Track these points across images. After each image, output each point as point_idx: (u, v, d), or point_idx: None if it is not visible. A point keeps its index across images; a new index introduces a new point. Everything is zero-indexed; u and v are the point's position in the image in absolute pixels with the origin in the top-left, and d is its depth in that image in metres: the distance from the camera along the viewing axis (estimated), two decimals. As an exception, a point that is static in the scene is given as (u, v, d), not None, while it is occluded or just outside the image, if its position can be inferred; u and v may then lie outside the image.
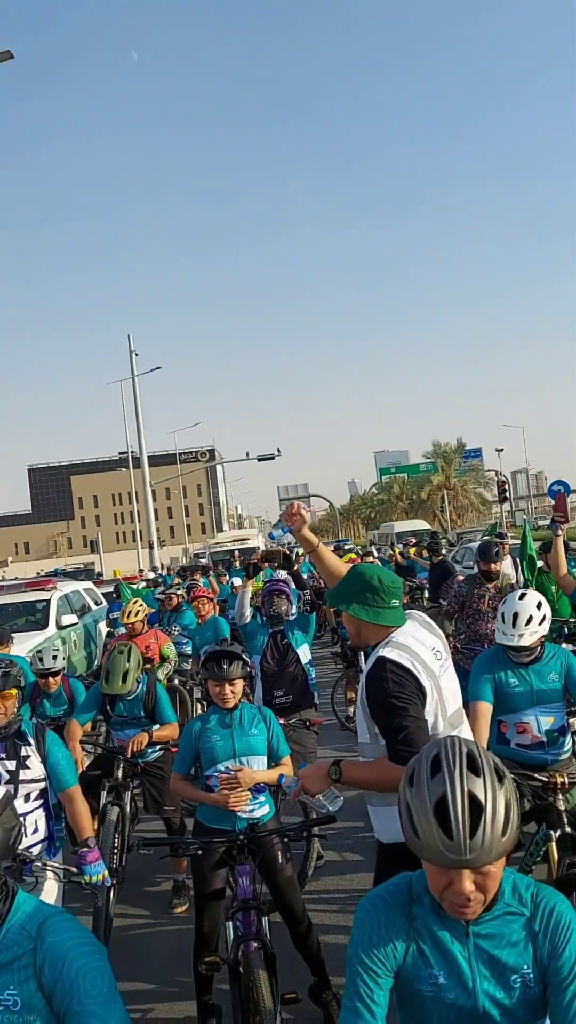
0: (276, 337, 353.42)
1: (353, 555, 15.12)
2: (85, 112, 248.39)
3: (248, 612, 5.91)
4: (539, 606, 3.89)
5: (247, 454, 39.37)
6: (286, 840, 3.56)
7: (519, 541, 8.80)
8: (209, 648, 3.88)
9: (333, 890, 5.09)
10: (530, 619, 3.84)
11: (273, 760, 3.77)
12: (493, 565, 6.79)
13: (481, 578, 6.85)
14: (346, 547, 20.12)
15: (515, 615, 3.87)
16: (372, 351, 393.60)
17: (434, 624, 3.01)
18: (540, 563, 7.94)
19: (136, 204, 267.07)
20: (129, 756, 4.99)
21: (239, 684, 3.73)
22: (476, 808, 1.43)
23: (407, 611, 2.94)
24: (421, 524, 38.38)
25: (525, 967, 1.53)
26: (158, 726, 5.10)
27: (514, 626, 3.84)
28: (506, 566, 10.11)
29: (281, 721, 5.27)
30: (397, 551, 18.54)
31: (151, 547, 32.08)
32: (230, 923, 3.32)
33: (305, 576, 6.96)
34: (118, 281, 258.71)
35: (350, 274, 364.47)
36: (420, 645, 2.79)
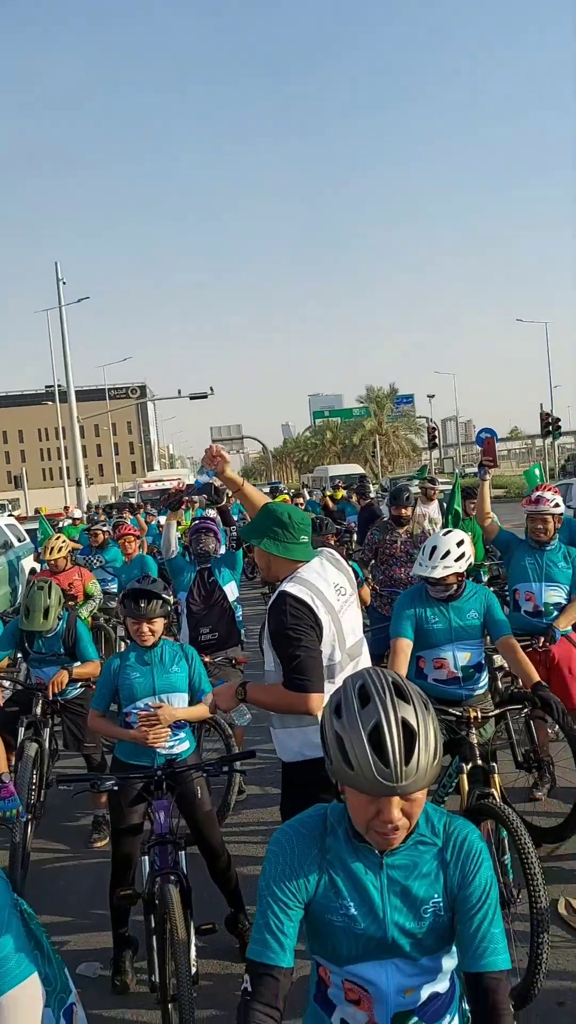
0: (211, 275, 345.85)
1: (285, 496, 15.15)
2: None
3: (175, 546, 5.85)
4: (460, 544, 3.96)
5: (179, 392, 38.49)
6: (205, 775, 3.57)
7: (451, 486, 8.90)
8: (130, 585, 3.82)
9: (254, 823, 5.17)
10: (447, 553, 3.92)
11: (195, 697, 3.76)
12: (404, 510, 6.89)
13: (392, 523, 6.92)
14: (280, 489, 20.18)
15: (434, 548, 3.95)
16: (309, 293, 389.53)
17: (343, 561, 3.15)
18: (460, 510, 8.10)
19: (66, 122, 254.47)
20: (50, 696, 4.90)
21: (158, 623, 3.69)
22: (409, 734, 1.43)
23: (320, 548, 3.10)
24: (355, 468, 38.29)
25: (436, 896, 1.55)
26: (78, 664, 5.02)
27: (430, 558, 3.92)
28: (433, 510, 10.31)
29: (207, 659, 5.28)
30: (328, 495, 18.68)
31: (78, 485, 31.48)
32: (146, 857, 3.33)
33: (236, 518, 6.93)
34: (45, 205, 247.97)
35: (288, 215, 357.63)
36: (323, 581, 2.94)
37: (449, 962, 1.59)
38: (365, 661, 3.09)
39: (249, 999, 1.51)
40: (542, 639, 4.81)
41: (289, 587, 2.86)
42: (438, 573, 3.91)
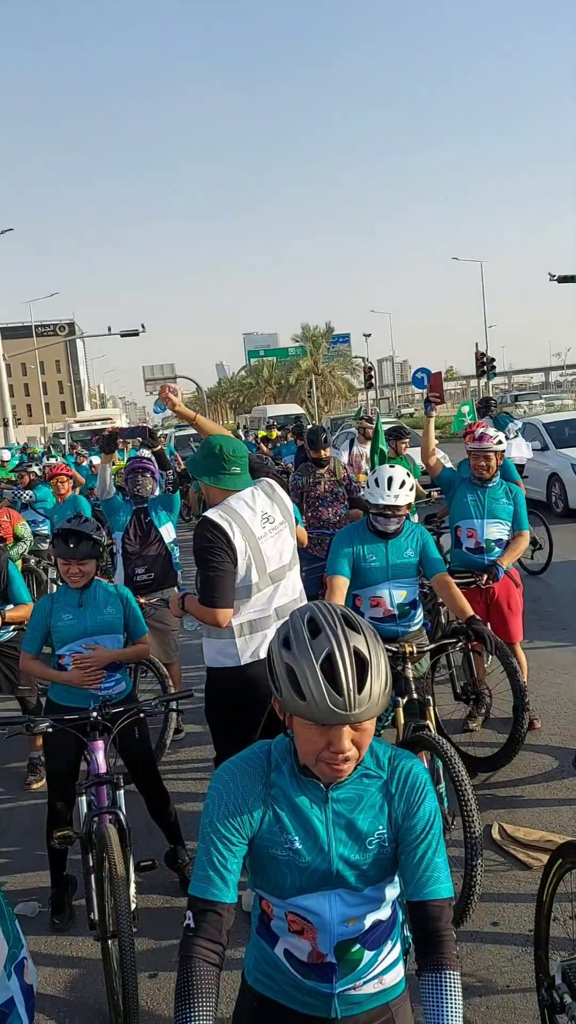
0: (142, 209, 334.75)
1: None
2: None
3: (110, 486, 5.73)
4: (407, 475, 4.00)
5: (109, 329, 37.40)
6: (142, 715, 3.52)
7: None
8: (60, 525, 3.70)
9: (192, 760, 5.19)
10: (403, 483, 3.93)
11: (130, 638, 3.69)
12: (322, 452, 6.90)
13: (313, 465, 6.93)
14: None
15: (390, 478, 3.93)
16: (244, 230, 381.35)
17: (279, 492, 3.41)
18: (387, 449, 8.15)
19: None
20: None
21: (89, 564, 3.60)
22: (361, 663, 1.42)
23: (260, 479, 3.37)
24: (295, 408, 36.91)
25: (380, 828, 1.56)
26: (11, 606, 4.88)
27: (389, 488, 3.90)
28: (369, 448, 10.30)
29: (142, 600, 5.20)
30: (261, 435, 18.56)
31: (5, 425, 30.58)
32: (83, 797, 3.29)
33: (169, 458, 6.81)
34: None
35: (223, 150, 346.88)
36: (248, 509, 3.24)
37: (391, 891, 1.61)
38: (291, 587, 3.37)
39: (192, 935, 1.51)
40: (485, 576, 4.87)
41: (211, 513, 3.20)
42: (403, 500, 3.92)
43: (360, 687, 1.40)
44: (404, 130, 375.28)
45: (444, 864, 1.55)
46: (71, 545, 3.51)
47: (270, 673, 1.50)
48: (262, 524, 3.24)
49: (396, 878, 1.60)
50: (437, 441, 6.07)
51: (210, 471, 3.22)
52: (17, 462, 12.58)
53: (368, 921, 1.57)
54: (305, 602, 3.58)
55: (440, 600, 5.24)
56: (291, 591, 3.37)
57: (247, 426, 32.81)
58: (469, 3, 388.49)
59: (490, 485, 5.05)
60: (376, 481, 3.96)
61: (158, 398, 3.90)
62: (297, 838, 1.54)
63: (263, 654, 3.20)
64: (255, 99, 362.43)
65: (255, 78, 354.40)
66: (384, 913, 1.60)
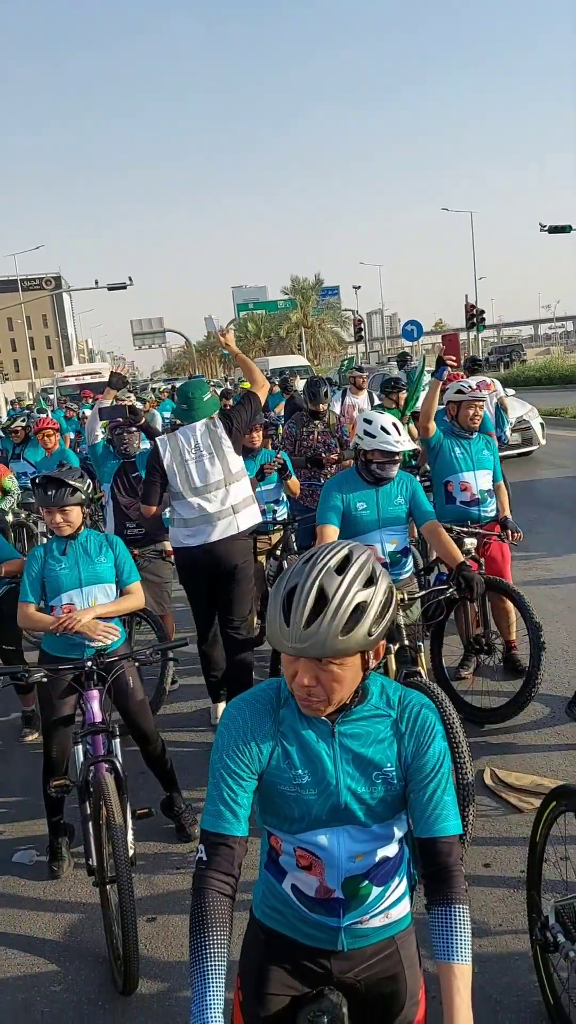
0: (128, 159, 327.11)
1: (246, 385, 14.93)
2: None
3: (99, 432, 5.68)
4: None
5: (96, 283, 36.77)
6: (137, 665, 3.52)
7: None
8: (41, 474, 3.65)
9: (187, 712, 5.22)
10: (399, 429, 3.89)
11: (121, 586, 3.66)
12: (321, 406, 6.83)
13: (308, 416, 6.88)
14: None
15: (393, 424, 3.88)
16: (232, 182, 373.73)
17: (218, 431, 4.51)
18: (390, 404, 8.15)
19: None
20: None
21: (73, 512, 3.54)
22: (321, 599, 1.43)
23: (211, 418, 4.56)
24: (298, 360, 34.49)
25: (388, 765, 1.56)
26: None
27: (390, 433, 3.82)
28: (363, 400, 10.21)
29: (135, 552, 5.18)
30: (245, 386, 18.38)
31: (-7, 380, 30.18)
32: (79, 746, 3.30)
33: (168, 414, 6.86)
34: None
35: (210, 100, 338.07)
36: (184, 438, 4.53)
37: (399, 829, 1.62)
38: (221, 499, 4.48)
39: (204, 867, 1.52)
40: (512, 533, 4.85)
41: (158, 437, 4.68)
42: (407, 445, 3.89)
43: (308, 623, 1.41)
44: (391, 72, 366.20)
45: (453, 802, 1.57)
46: (51, 493, 3.46)
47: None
48: (193, 451, 4.47)
49: (404, 816, 1.62)
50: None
51: (177, 410, 4.55)
52: (11, 416, 12.38)
53: (376, 857, 1.59)
54: (252, 511, 4.69)
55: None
56: (221, 503, 4.48)
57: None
58: None
59: (473, 436, 5.03)
60: (382, 428, 3.85)
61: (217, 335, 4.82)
62: (305, 772, 1.55)
63: (195, 543, 4.51)
64: (237, 42, 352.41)
65: (237, 16, 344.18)
66: (392, 850, 1.62)
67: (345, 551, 1.50)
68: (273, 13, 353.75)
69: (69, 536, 3.57)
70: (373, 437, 3.84)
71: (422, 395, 8.44)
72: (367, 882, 1.59)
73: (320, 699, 1.48)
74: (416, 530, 4.59)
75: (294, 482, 6.07)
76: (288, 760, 1.56)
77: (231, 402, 15.34)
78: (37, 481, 3.58)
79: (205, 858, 1.53)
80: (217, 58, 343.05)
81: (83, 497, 3.56)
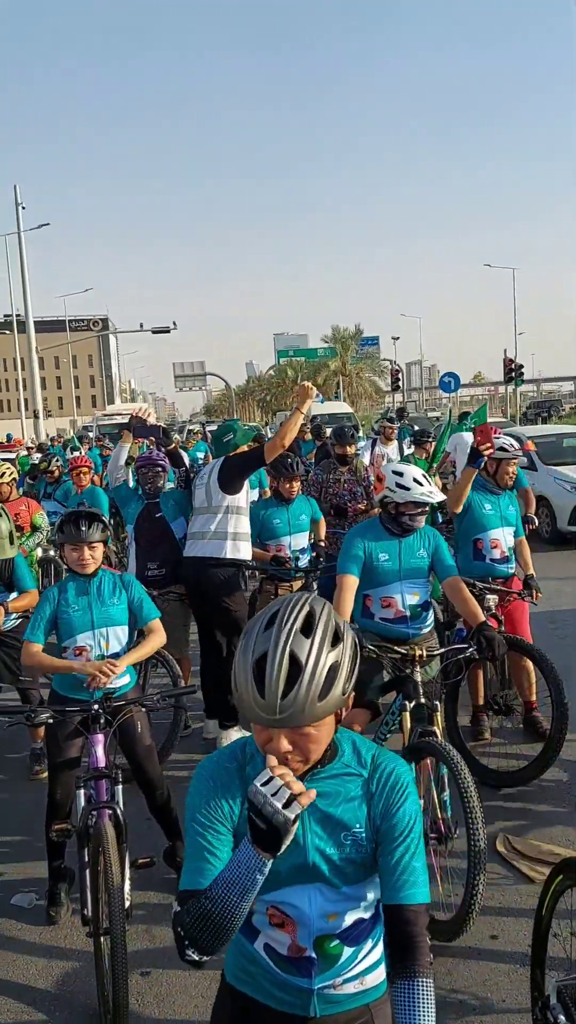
0: (176, 207, 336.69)
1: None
2: None
3: (122, 474, 5.73)
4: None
5: (141, 326, 37.60)
6: (144, 709, 3.48)
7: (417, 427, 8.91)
8: (68, 511, 3.68)
9: (198, 757, 5.14)
10: (428, 480, 3.90)
11: (139, 623, 3.63)
12: (348, 448, 6.84)
13: (336, 462, 6.88)
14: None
15: (423, 475, 3.88)
16: (276, 231, 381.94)
17: (217, 466, 5.32)
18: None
19: (27, 47, 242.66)
20: None
21: (98, 549, 3.54)
22: (295, 667, 1.38)
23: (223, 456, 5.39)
24: (342, 407, 32.69)
25: (357, 826, 1.53)
26: (15, 595, 4.83)
27: (421, 484, 3.82)
28: (392, 450, 10.23)
29: (154, 592, 5.18)
30: None
31: (36, 417, 30.81)
32: (82, 791, 3.26)
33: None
34: (4, 126, 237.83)
35: (255, 150, 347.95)
36: (207, 468, 5.56)
37: (372, 892, 1.58)
38: (203, 523, 5.25)
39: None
40: (536, 593, 4.86)
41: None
42: (438, 496, 3.89)
43: (286, 692, 1.36)
44: (437, 131, 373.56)
45: (422, 868, 1.51)
46: (82, 528, 3.46)
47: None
48: (203, 477, 5.39)
49: (377, 879, 1.56)
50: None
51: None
52: (49, 453, 12.48)
53: (349, 919, 1.55)
54: (222, 545, 5.17)
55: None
56: (203, 525, 5.23)
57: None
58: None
59: (502, 493, 4.99)
60: (415, 480, 3.83)
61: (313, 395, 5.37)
62: None
63: (187, 555, 5.28)
64: (282, 98, 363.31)
65: (270, 85, 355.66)
66: (366, 913, 1.57)
67: (307, 608, 1.45)
68: (332, 78, 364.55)
69: (87, 576, 3.57)
70: (407, 489, 3.82)
71: (446, 444, 8.44)
72: (338, 941, 1.54)
73: (297, 761, 1.45)
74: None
75: (321, 526, 6.14)
76: None
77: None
78: (65, 517, 3.57)
79: (179, 910, 1.48)
80: (263, 113, 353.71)
81: (108, 535, 3.58)
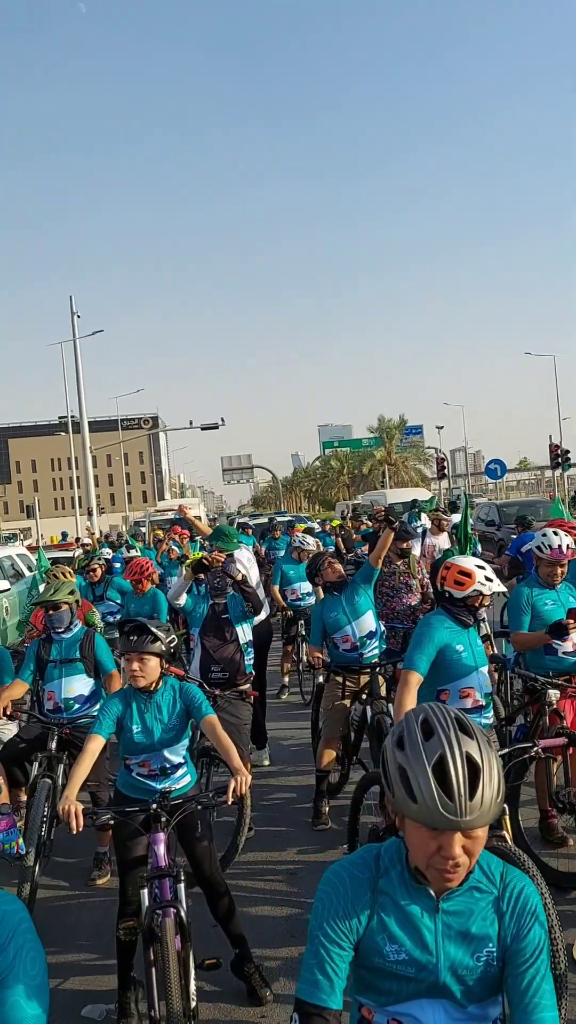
0: (222, 306, 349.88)
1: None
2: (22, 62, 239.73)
3: (183, 598, 5.64)
4: None
5: (191, 423, 38.96)
6: (199, 808, 3.49)
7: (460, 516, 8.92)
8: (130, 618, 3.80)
9: (261, 862, 5.09)
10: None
11: (198, 721, 3.59)
12: (404, 544, 6.87)
13: (391, 555, 6.88)
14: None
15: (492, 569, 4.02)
16: (321, 325, 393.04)
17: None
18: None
19: (80, 160, 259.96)
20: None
21: (151, 662, 3.50)
22: (473, 768, 1.42)
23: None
24: (422, 493, 30.99)
25: (490, 945, 1.53)
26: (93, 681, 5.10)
27: (492, 581, 3.94)
28: (443, 540, 10.25)
29: (216, 692, 5.25)
30: (335, 523, 18.68)
31: (90, 514, 31.59)
32: (145, 890, 3.27)
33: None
34: (61, 240, 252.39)
35: (298, 244, 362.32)
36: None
37: (494, 1011, 1.58)
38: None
39: None
40: None
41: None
42: (498, 586, 3.98)
43: (472, 793, 1.40)
44: (478, 232, 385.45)
45: (551, 991, 1.50)
46: (132, 638, 3.48)
47: (383, 772, 1.51)
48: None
49: (500, 999, 1.57)
50: None
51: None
52: (100, 552, 12.56)
53: None
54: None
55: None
56: None
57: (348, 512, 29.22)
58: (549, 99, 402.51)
59: (558, 586, 4.94)
60: (486, 578, 3.94)
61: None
62: (405, 947, 1.52)
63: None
64: (328, 184, 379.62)
65: (314, 193, 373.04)
66: None
67: (452, 712, 1.50)
68: (377, 166, 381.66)
69: (145, 690, 3.56)
70: (491, 581, 3.95)
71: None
72: None
73: (464, 869, 1.46)
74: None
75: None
76: (385, 933, 1.53)
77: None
78: (122, 625, 3.62)
79: None
80: (308, 201, 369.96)
81: (163, 649, 3.54)
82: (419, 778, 1.42)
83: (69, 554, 16.11)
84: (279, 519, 20.99)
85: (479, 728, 1.50)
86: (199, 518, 29.16)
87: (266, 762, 6.89)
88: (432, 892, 1.53)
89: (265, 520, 24.02)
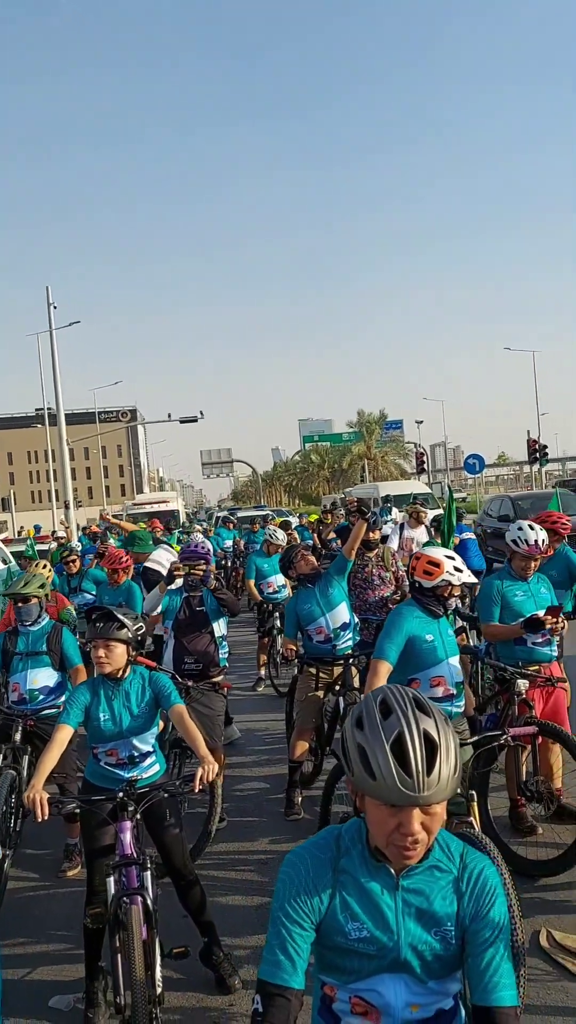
0: (201, 298, 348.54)
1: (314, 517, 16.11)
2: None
3: (159, 609, 5.75)
4: None
5: (169, 415, 38.61)
6: (166, 796, 3.48)
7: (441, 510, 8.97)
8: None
9: (233, 852, 5.09)
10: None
11: (164, 708, 3.61)
12: (372, 534, 6.89)
13: (362, 547, 6.88)
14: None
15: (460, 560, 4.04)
16: (300, 319, 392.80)
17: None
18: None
19: (57, 152, 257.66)
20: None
21: (117, 648, 3.50)
22: (431, 745, 1.45)
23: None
24: (418, 486, 29.52)
25: (448, 924, 1.55)
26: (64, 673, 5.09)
27: (462, 571, 3.97)
28: (421, 533, 10.29)
29: (189, 683, 5.23)
30: (313, 517, 18.70)
31: (67, 507, 31.34)
32: (111, 878, 3.26)
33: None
34: (36, 230, 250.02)
35: (278, 239, 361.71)
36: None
37: (454, 986, 1.60)
38: None
39: (260, 1020, 1.51)
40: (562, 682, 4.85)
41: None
42: (467, 576, 4.01)
43: (429, 769, 1.43)
44: (461, 229, 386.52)
45: (511, 970, 1.53)
46: (98, 624, 3.50)
47: (343, 751, 1.54)
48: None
49: (459, 975, 1.60)
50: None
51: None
52: (79, 544, 12.51)
53: (431, 1009, 1.57)
54: None
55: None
56: None
57: (338, 505, 28.70)
58: (538, 107, 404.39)
59: (531, 578, 4.95)
60: (455, 568, 3.95)
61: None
62: (366, 925, 1.55)
63: None
64: (310, 188, 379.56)
65: (301, 187, 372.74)
66: (447, 1003, 1.60)
67: (410, 691, 1.53)
68: (357, 161, 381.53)
69: (113, 678, 3.57)
70: (461, 572, 3.97)
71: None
72: None
73: (423, 845, 1.49)
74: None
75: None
76: (347, 911, 1.55)
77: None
78: (90, 610, 3.64)
79: (262, 1010, 1.52)
80: (288, 195, 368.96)
81: (129, 636, 3.54)
82: (378, 755, 1.45)
83: (44, 547, 15.88)
84: (257, 513, 21.01)
85: (437, 708, 1.52)
86: (176, 512, 29.20)
87: (237, 735, 7.10)
88: (392, 870, 1.55)
89: (262, 514, 23.31)
